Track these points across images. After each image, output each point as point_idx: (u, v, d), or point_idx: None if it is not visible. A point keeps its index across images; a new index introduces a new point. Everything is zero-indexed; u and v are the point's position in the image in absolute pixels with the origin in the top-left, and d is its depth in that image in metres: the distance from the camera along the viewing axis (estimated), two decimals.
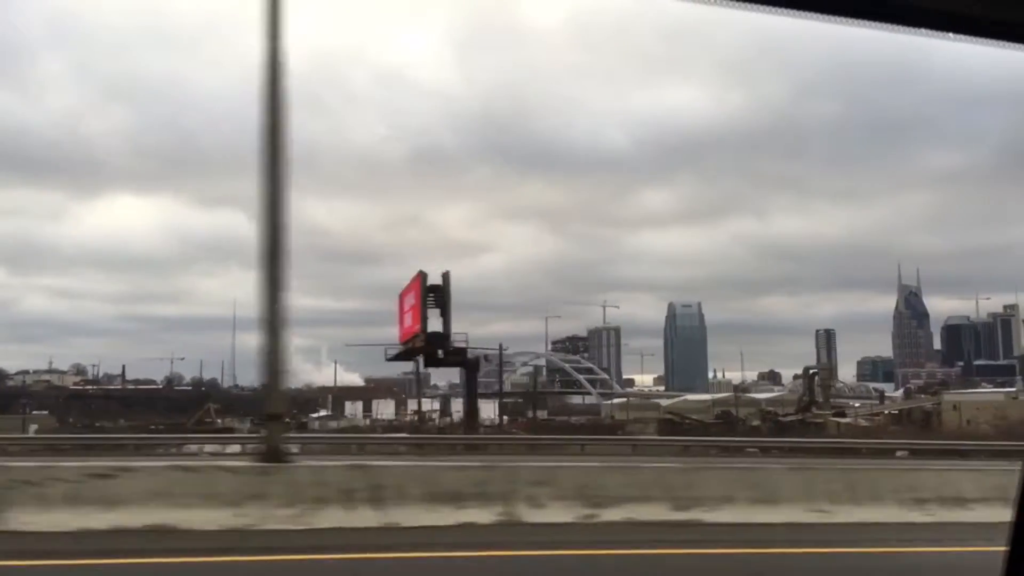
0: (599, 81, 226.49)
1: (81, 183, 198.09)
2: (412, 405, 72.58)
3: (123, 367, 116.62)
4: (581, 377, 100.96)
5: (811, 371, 61.66)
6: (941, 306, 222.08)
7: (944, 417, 50.68)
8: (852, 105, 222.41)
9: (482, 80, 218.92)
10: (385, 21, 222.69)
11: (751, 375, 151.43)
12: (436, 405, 76.13)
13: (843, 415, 52.82)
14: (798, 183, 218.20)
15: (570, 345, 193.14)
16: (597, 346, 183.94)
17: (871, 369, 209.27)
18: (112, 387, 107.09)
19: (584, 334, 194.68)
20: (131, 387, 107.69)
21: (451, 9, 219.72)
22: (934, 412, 54.05)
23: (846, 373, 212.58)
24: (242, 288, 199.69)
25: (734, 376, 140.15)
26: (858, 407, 62.96)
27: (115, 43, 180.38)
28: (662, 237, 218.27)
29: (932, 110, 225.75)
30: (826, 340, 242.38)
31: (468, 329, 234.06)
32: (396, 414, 71.10)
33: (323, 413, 73.83)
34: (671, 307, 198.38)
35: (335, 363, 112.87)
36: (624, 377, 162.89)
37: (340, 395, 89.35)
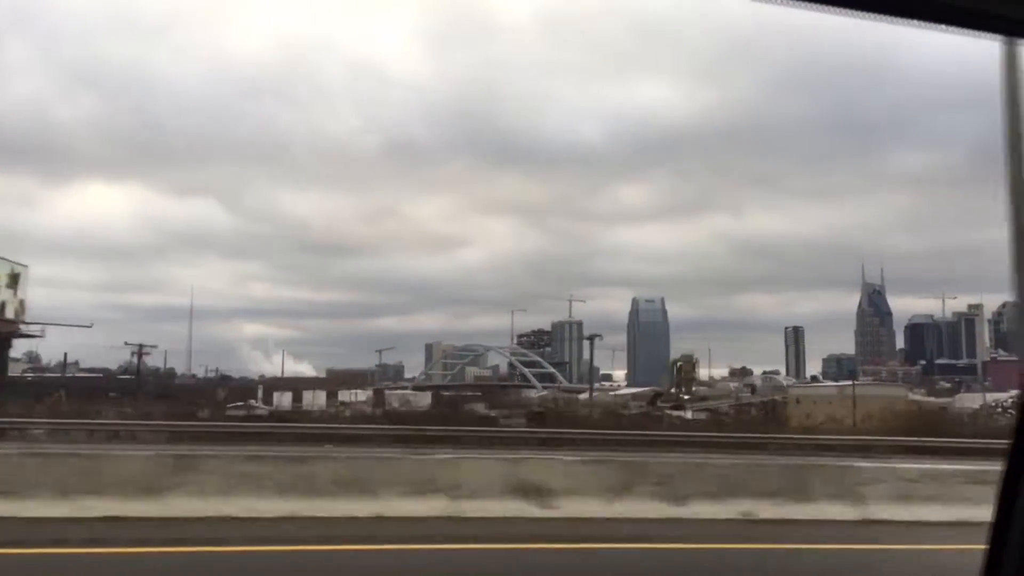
0: (570, 76, 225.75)
1: (50, 170, 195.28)
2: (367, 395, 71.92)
3: (64, 355, 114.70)
4: (527, 371, 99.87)
5: (676, 363, 62.44)
6: (911, 305, 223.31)
7: (789, 410, 52.24)
8: (823, 104, 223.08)
9: (454, 73, 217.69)
10: (355, 14, 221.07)
11: (722, 371, 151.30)
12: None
13: (681, 407, 53.04)
14: (772, 181, 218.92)
15: (536, 339, 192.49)
16: (560, 340, 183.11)
17: (835, 367, 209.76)
18: (52, 375, 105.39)
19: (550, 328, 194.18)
20: (75, 375, 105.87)
21: (421, 3, 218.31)
22: (779, 406, 55.18)
23: (813, 370, 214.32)
24: (218, 278, 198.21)
25: (703, 372, 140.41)
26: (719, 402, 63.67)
27: (80, 30, 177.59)
28: (640, 233, 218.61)
29: (903, 111, 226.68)
30: (794, 337, 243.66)
31: (450, 323, 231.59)
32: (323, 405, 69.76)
33: (251, 402, 72.29)
34: (634, 302, 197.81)
35: (283, 353, 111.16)
36: (602, 372, 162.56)
37: (300, 386, 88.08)
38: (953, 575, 7.69)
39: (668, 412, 50.93)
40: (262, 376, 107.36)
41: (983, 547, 1.87)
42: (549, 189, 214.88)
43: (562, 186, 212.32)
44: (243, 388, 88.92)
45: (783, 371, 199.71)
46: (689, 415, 52.37)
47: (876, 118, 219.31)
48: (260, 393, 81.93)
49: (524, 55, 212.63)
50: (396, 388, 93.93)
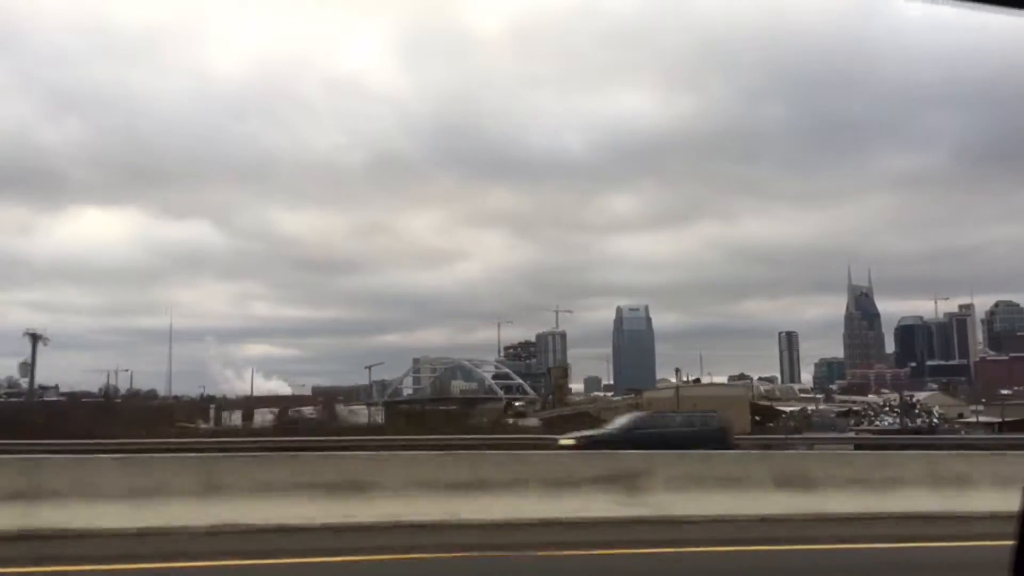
0: (547, 87, 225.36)
1: (43, 196, 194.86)
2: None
3: (31, 376, 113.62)
4: (494, 383, 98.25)
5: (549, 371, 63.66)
6: (902, 307, 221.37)
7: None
8: (801, 108, 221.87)
9: (431, 87, 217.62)
10: (328, 30, 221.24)
11: (722, 379, 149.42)
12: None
13: (523, 415, 58.32)
14: (760, 186, 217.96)
15: (522, 351, 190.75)
16: (544, 351, 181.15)
17: (826, 371, 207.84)
18: (15, 399, 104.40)
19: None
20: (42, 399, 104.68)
21: (391, 18, 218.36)
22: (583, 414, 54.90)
23: (807, 375, 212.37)
24: (216, 298, 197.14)
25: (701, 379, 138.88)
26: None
27: (57, 54, 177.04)
28: (633, 242, 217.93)
29: (884, 112, 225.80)
30: (788, 343, 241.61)
31: (455, 336, 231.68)
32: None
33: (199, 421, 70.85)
34: (619, 311, 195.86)
35: (252, 371, 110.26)
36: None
37: (284, 403, 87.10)
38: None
39: (512, 420, 53.25)
40: (249, 395, 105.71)
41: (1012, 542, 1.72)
42: (538, 200, 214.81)
43: (551, 197, 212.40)
44: (199, 408, 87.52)
45: (779, 377, 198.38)
46: (533, 422, 53.19)
47: (858, 121, 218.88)
48: (212, 412, 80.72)
49: (499, 67, 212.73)
50: (364, 404, 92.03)
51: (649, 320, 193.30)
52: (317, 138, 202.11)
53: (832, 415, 63.43)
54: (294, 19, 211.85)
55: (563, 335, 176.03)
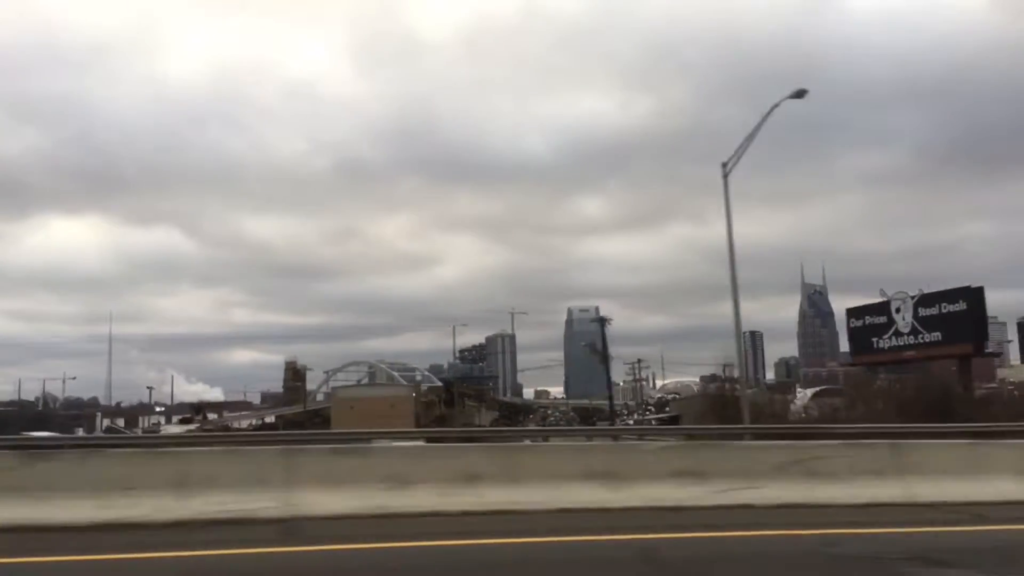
0: (503, 91, 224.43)
1: (5, 204, 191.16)
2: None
3: None
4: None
5: None
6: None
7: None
8: (758, 109, 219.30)
9: (388, 92, 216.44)
10: (282, 36, 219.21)
11: (693, 378, 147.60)
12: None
13: None
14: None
15: (476, 354, 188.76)
16: (493, 354, 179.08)
17: (785, 370, 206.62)
18: None
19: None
20: None
21: (342, 24, 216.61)
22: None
23: (772, 374, 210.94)
24: (195, 305, 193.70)
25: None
26: None
27: (11, 65, 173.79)
28: (607, 244, 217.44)
29: (839, 112, 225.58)
30: (752, 342, 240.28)
31: (439, 341, 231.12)
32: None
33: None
34: (569, 312, 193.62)
35: (172, 377, 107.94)
36: (540, 388, 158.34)
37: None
38: None
39: None
40: (202, 402, 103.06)
41: None
42: (506, 204, 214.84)
43: (519, 200, 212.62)
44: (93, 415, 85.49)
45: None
46: None
47: (816, 121, 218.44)
48: (100, 420, 79.49)
49: (453, 72, 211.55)
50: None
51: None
52: (279, 144, 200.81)
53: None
54: (246, 26, 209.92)
55: (512, 338, 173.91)
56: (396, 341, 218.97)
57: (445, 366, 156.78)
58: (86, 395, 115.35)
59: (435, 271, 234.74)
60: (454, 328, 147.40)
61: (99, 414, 79.80)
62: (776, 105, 25.00)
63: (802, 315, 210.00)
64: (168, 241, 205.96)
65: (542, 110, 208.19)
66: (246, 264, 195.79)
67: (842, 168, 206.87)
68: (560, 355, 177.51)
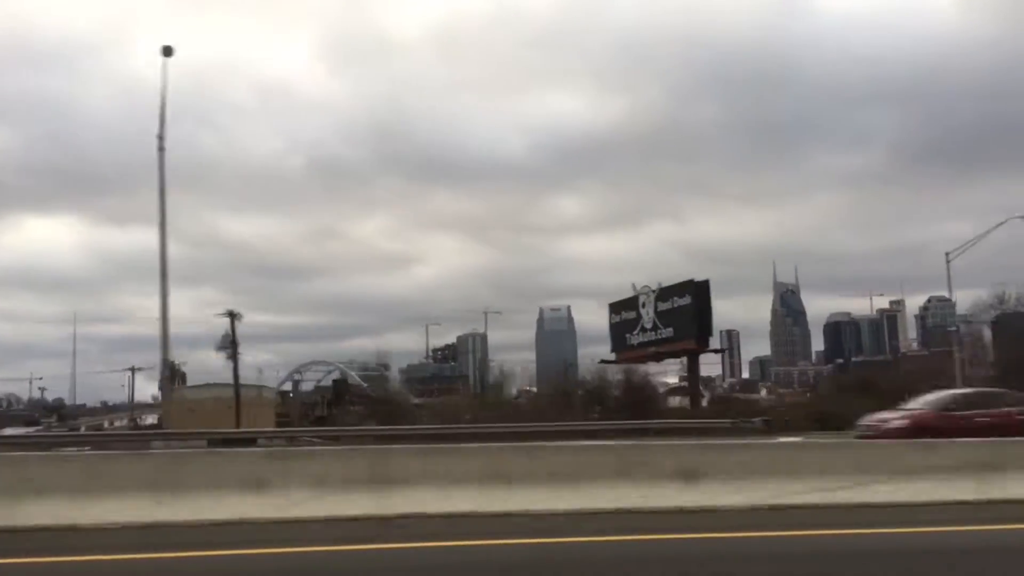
0: (474, 90, 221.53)
1: None
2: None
3: None
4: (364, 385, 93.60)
5: None
6: (842, 305, 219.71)
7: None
8: (731, 109, 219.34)
9: (361, 92, 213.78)
10: (252, 35, 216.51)
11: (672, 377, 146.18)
12: None
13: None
14: (704, 186, 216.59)
15: (449, 353, 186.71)
16: (464, 353, 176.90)
17: (759, 369, 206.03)
18: None
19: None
20: None
21: (312, 23, 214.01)
22: None
23: (747, 374, 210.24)
24: (175, 305, 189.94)
25: None
26: None
27: None
28: (589, 243, 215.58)
29: (811, 113, 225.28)
30: (729, 341, 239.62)
31: (418, 340, 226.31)
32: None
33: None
34: (540, 312, 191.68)
35: (131, 374, 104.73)
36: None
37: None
38: None
39: None
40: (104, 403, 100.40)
41: None
42: (485, 204, 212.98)
43: (497, 200, 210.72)
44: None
45: (723, 375, 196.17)
46: None
47: (787, 121, 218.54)
48: (55, 418, 78.01)
49: (425, 72, 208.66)
50: None
51: (571, 320, 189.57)
52: (254, 144, 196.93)
53: None
54: (215, 25, 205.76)
55: (484, 337, 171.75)
56: (376, 341, 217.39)
57: (418, 364, 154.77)
58: (55, 396, 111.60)
59: (414, 270, 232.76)
60: (427, 327, 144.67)
61: (38, 415, 77.70)
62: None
63: (774, 314, 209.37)
64: (145, 241, 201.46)
65: (515, 109, 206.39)
66: (226, 264, 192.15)
67: (816, 168, 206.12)
68: (532, 355, 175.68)
